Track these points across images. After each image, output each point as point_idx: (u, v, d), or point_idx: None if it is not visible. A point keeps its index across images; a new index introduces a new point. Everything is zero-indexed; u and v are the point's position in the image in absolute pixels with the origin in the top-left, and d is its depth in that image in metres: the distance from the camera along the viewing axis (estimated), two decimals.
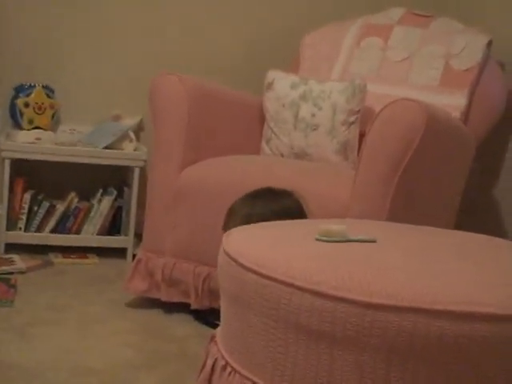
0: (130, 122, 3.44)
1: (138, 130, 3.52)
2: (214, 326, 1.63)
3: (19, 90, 3.31)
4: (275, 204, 2.02)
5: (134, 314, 2.58)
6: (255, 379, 1.37)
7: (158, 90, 2.68)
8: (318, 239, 1.51)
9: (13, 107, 3.30)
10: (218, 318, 1.58)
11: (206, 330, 2.35)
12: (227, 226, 1.99)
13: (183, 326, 2.48)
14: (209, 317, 2.48)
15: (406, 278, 1.28)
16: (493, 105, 2.89)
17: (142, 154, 3.28)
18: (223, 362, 1.48)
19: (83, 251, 3.27)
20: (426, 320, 1.19)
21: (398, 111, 2.17)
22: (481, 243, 1.72)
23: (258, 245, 1.48)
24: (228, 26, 3.62)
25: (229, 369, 1.45)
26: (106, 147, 3.24)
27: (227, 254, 1.47)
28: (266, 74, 3.00)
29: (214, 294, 2.37)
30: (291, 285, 1.30)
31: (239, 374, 1.42)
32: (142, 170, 3.27)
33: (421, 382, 1.21)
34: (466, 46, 2.91)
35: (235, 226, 1.81)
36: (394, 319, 1.20)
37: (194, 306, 2.53)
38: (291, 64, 3.26)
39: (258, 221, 1.80)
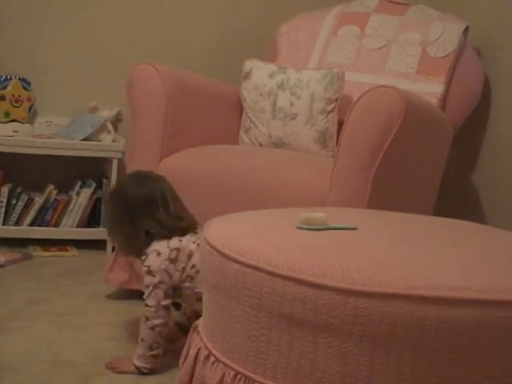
0: (107, 113, 3.42)
1: (116, 121, 3.50)
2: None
3: None
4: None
5: (114, 306, 2.56)
6: (238, 368, 1.38)
7: (135, 80, 2.66)
8: (299, 227, 1.51)
9: None
10: None
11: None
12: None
13: None
14: None
15: (388, 264, 1.29)
16: (470, 91, 2.90)
17: (120, 146, 3.26)
18: (206, 352, 1.47)
19: (63, 244, 3.26)
20: (408, 306, 1.19)
21: (376, 98, 2.17)
22: (462, 229, 1.72)
23: (239, 234, 1.48)
24: (204, 15, 3.60)
25: (212, 358, 1.45)
26: (84, 139, 3.22)
27: (209, 244, 1.47)
28: (242, 64, 2.99)
29: None
30: (273, 273, 1.30)
31: (222, 363, 1.42)
32: (121, 162, 3.25)
33: (404, 369, 1.21)
34: (443, 33, 2.92)
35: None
36: (377, 306, 1.20)
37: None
38: (268, 54, 3.25)
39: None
